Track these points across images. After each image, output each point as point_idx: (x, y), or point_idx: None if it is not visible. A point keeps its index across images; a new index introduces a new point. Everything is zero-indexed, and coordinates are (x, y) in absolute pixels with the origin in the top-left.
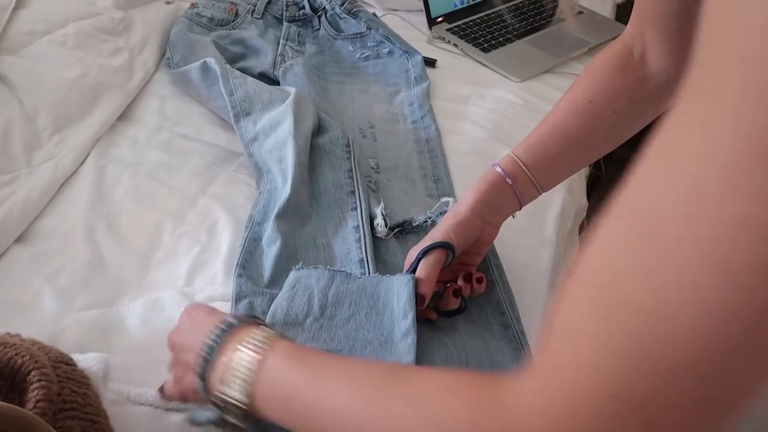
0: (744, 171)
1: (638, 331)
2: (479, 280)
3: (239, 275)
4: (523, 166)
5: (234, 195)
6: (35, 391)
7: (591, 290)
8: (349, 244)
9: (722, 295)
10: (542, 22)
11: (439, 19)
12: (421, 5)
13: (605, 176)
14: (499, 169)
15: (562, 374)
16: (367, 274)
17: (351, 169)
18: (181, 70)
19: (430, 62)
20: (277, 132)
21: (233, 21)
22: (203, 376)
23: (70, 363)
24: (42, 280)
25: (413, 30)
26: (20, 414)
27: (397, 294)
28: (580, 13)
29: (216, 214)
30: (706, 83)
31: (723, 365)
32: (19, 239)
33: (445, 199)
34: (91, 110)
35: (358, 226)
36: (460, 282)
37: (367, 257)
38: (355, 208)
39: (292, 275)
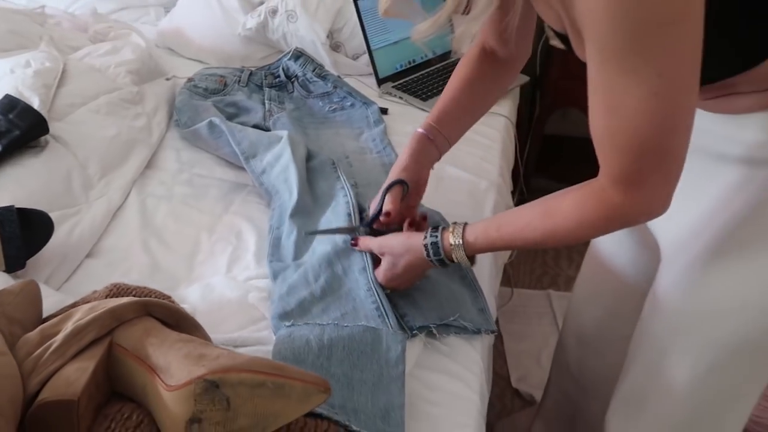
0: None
1: (624, 134)
2: (424, 218)
3: (270, 261)
4: (437, 127)
5: (250, 212)
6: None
7: (603, 126)
8: (340, 206)
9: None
10: None
11: (385, 79)
12: (371, 70)
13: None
14: (422, 131)
15: (608, 170)
16: (354, 223)
17: (338, 177)
18: (191, 129)
19: (383, 110)
20: (280, 162)
21: (223, 90)
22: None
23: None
24: (116, 278)
25: (367, 88)
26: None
27: (386, 345)
28: None
29: (240, 225)
30: (593, 49)
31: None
32: (89, 255)
33: None
34: (126, 159)
35: (345, 195)
36: (406, 225)
37: (353, 210)
38: (342, 188)
39: (285, 331)
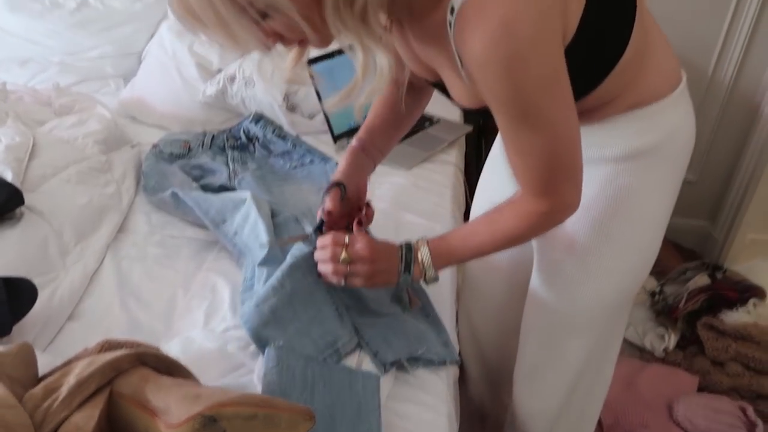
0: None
1: (536, 166)
2: (368, 205)
3: (243, 302)
4: (368, 139)
5: (224, 267)
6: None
7: (519, 162)
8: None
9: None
10: (414, 131)
11: (341, 136)
12: (327, 128)
13: None
14: (356, 144)
15: (529, 189)
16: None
17: (303, 230)
18: (157, 198)
19: None
20: (248, 221)
21: (188, 154)
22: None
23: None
24: (98, 338)
25: (324, 145)
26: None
27: (362, 383)
28: (438, 121)
29: (214, 280)
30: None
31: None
32: (70, 318)
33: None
34: (99, 225)
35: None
36: (355, 225)
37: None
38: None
39: (273, 352)
